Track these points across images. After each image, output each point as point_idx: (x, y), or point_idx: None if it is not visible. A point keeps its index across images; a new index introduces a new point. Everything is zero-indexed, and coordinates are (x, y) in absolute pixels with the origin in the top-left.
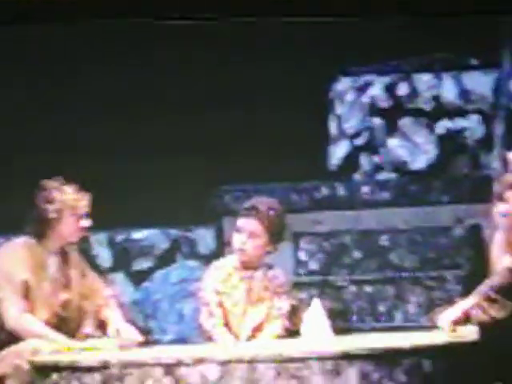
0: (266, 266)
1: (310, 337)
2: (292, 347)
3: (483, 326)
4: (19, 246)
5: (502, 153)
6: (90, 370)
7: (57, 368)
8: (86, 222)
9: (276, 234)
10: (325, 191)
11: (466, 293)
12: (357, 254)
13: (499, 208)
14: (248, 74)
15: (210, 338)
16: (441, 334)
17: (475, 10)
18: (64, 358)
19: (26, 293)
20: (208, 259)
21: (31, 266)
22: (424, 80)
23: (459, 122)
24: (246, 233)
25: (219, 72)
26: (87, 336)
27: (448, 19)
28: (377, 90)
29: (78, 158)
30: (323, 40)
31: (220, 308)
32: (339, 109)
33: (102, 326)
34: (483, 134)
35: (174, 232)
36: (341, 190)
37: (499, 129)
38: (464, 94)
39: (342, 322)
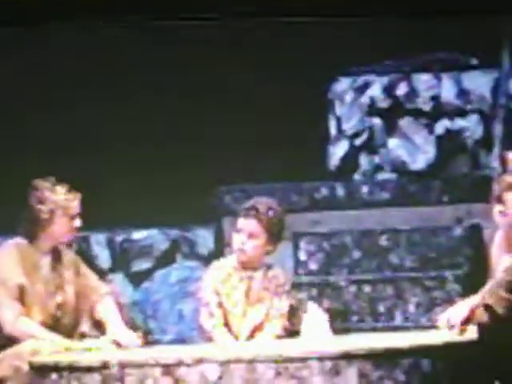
0: (265, 266)
1: (310, 337)
2: (292, 347)
3: (482, 326)
4: (11, 249)
5: (502, 153)
6: (89, 370)
7: (56, 368)
8: (78, 223)
9: (275, 234)
10: (324, 191)
11: (465, 293)
12: (356, 254)
13: (498, 208)
14: (247, 74)
15: (209, 339)
16: (440, 334)
17: (475, 10)
18: (63, 359)
19: (21, 296)
20: (208, 259)
21: (24, 269)
22: (423, 80)
23: (459, 122)
24: (246, 233)
25: (219, 72)
26: (83, 335)
27: (447, 19)
28: (376, 90)
29: (77, 158)
30: (322, 40)
31: (220, 308)
32: (339, 109)
33: (98, 325)
34: (482, 134)
35: (173, 232)
36: (340, 190)
37: (498, 129)
38: (463, 94)
39: (341, 321)
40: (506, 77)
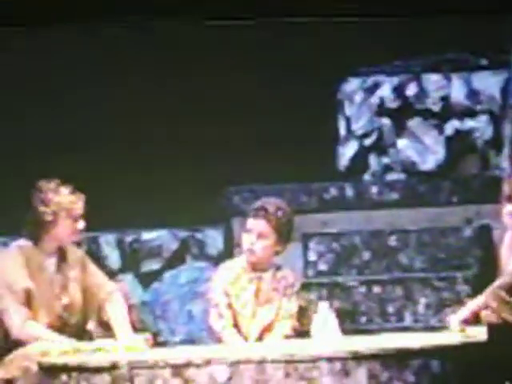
0: (274, 266)
1: (319, 337)
2: (301, 348)
3: (492, 327)
4: (15, 252)
5: (511, 153)
6: (98, 370)
7: (66, 369)
8: (82, 224)
9: (284, 234)
10: (334, 192)
11: (475, 293)
12: (366, 255)
13: (508, 209)
14: (258, 74)
15: (219, 339)
16: (450, 335)
17: (485, 10)
18: (73, 359)
19: (28, 299)
20: (217, 260)
21: (30, 271)
22: (433, 80)
23: (468, 123)
24: (255, 233)
25: (230, 73)
26: (90, 333)
27: (457, 19)
28: (386, 90)
29: (87, 158)
30: (332, 41)
31: (229, 309)
32: (348, 109)
33: (105, 324)
34: (492, 134)
35: (183, 233)
36: (350, 191)
37: (508, 129)
38: (473, 94)
39: (350, 322)
40: None
